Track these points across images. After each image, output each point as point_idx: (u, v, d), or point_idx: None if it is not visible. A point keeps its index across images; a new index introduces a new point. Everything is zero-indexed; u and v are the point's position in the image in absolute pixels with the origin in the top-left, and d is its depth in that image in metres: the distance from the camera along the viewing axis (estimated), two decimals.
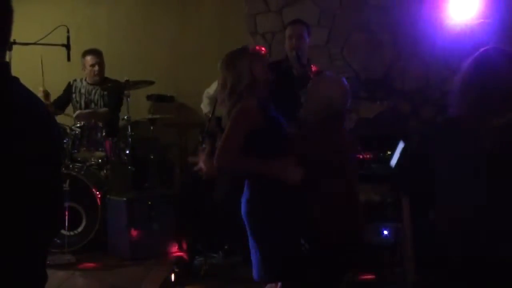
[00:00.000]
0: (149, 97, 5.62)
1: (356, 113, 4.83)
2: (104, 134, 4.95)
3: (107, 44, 5.63)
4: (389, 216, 4.70)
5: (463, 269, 2.49)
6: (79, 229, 4.71)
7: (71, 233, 4.61)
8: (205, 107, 5.20)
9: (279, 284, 2.98)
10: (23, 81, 1.55)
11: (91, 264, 4.40)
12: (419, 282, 4.25)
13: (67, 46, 4.65)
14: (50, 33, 4.51)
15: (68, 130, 4.86)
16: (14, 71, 1.64)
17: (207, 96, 5.20)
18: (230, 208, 3.54)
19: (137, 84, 5.04)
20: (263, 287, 3.07)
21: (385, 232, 4.65)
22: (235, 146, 2.80)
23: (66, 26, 4.65)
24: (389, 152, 4.45)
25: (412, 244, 4.29)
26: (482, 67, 2.43)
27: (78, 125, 4.93)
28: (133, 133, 4.93)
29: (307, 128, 3.13)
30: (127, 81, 4.92)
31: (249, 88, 2.90)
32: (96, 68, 5.32)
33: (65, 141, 4.82)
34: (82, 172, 4.81)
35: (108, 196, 4.80)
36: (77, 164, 4.94)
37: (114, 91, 5.28)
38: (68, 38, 4.65)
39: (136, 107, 5.37)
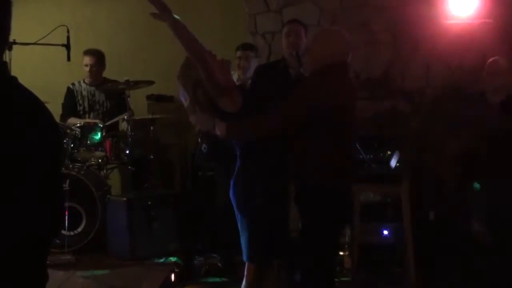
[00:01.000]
0: (149, 97, 5.61)
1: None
2: (104, 134, 4.95)
3: (107, 44, 5.63)
4: (389, 216, 4.70)
5: None
6: (79, 229, 4.72)
7: (71, 233, 4.61)
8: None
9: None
10: (23, 81, 1.55)
11: (91, 264, 4.40)
12: (419, 282, 4.25)
13: (67, 46, 4.65)
14: (50, 33, 4.51)
15: (68, 130, 4.86)
16: (14, 71, 1.64)
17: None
18: (232, 210, 3.54)
19: (137, 84, 5.04)
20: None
21: (385, 232, 4.65)
22: None
23: (66, 26, 4.65)
24: (389, 152, 4.45)
25: (412, 244, 4.29)
26: None
27: (78, 125, 4.93)
28: (133, 133, 4.93)
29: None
30: (127, 81, 4.92)
31: None
32: (90, 69, 5.30)
33: (65, 141, 4.82)
34: (82, 172, 4.81)
35: (108, 196, 4.81)
36: (77, 164, 4.94)
37: (114, 92, 5.27)
38: (68, 38, 4.66)
39: (136, 107, 5.37)
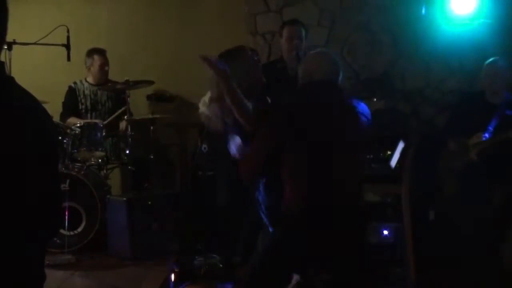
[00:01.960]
0: (149, 97, 5.61)
1: None
2: (104, 134, 4.95)
3: (107, 44, 5.63)
4: (389, 216, 4.70)
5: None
6: (79, 229, 4.72)
7: (71, 233, 4.61)
8: (204, 111, 5.20)
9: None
10: (23, 81, 1.55)
11: (91, 264, 4.40)
12: (419, 282, 4.25)
13: (67, 46, 4.65)
14: (50, 33, 4.51)
15: (68, 130, 4.85)
16: (14, 71, 1.64)
17: (204, 104, 5.21)
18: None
19: (137, 84, 5.04)
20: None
21: (385, 232, 4.65)
22: None
23: (66, 26, 4.65)
24: (389, 152, 4.45)
25: (412, 244, 4.29)
26: None
27: (78, 125, 4.93)
28: (133, 133, 4.93)
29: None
30: (127, 81, 4.92)
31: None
32: (106, 68, 5.32)
33: (65, 141, 4.82)
34: (82, 172, 4.81)
35: (108, 196, 4.80)
36: (77, 164, 4.94)
37: (116, 93, 5.28)
38: (68, 38, 4.65)
39: (136, 107, 5.37)
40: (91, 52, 5.32)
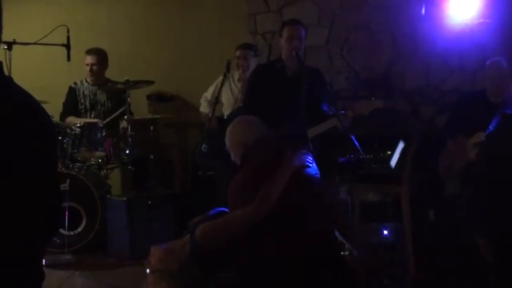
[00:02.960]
0: (149, 97, 5.61)
1: (352, 111, 4.82)
2: (104, 134, 4.95)
3: (107, 44, 5.63)
4: (389, 216, 4.70)
5: None
6: (79, 229, 4.72)
7: (71, 233, 4.61)
8: (204, 108, 5.21)
9: None
10: (23, 81, 1.55)
11: (91, 264, 4.40)
12: (419, 282, 4.25)
13: (67, 46, 4.65)
14: (50, 33, 4.51)
15: (68, 130, 4.85)
16: (14, 71, 1.65)
17: (205, 99, 5.22)
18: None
19: (137, 84, 5.04)
20: None
21: (385, 232, 4.65)
22: None
23: (66, 26, 4.65)
24: (389, 152, 4.45)
25: (412, 244, 4.29)
26: None
27: (78, 125, 4.93)
28: (133, 133, 4.93)
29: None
30: (127, 81, 4.92)
31: None
32: (90, 68, 5.30)
33: (65, 141, 4.82)
34: (82, 172, 4.81)
35: (108, 196, 4.81)
36: (77, 164, 4.94)
37: (116, 93, 5.27)
38: (68, 38, 4.65)
39: (136, 107, 5.37)
40: (86, 52, 5.33)
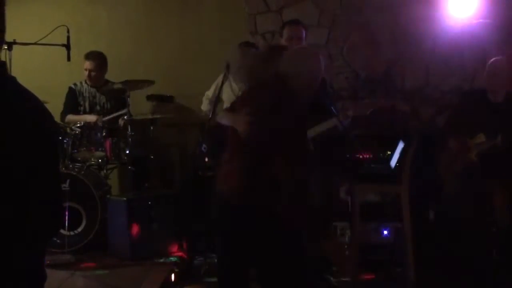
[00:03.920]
0: (149, 97, 5.61)
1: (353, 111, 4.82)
2: (104, 134, 4.95)
3: (107, 44, 5.63)
4: (389, 216, 4.70)
5: None
6: (79, 229, 4.71)
7: (71, 233, 4.61)
8: (205, 107, 5.21)
9: None
10: (23, 81, 1.55)
11: (91, 264, 4.40)
12: (419, 282, 4.25)
13: (67, 46, 4.64)
14: (50, 33, 4.51)
15: (68, 130, 4.85)
16: (14, 71, 1.64)
17: (207, 98, 5.22)
18: None
19: (137, 84, 5.04)
20: None
21: (385, 232, 4.65)
22: None
23: (66, 26, 4.65)
24: (389, 152, 4.45)
25: (412, 244, 4.29)
26: None
27: (78, 125, 4.93)
28: (133, 133, 4.93)
29: None
30: (127, 81, 4.92)
31: None
32: (89, 74, 5.29)
33: (65, 141, 4.82)
34: (82, 172, 4.81)
35: (108, 196, 4.81)
36: (77, 164, 4.94)
37: (116, 93, 5.27)
38: (68, 38, 4.65)
39: (136, 107, 5.37)
40: (85, 56, 5.32)
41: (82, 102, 5.35)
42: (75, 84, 5.38)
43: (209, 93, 5.22)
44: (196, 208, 5.02)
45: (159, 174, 5.44)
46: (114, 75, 5.41)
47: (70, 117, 5.20)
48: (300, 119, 2.97)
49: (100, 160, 5.02)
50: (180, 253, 4.67)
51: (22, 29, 5.22)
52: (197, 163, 5.15)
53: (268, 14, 5.69)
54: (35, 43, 4.65)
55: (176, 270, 4.33)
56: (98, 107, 5.36)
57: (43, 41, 4.55)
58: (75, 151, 4.90)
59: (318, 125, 4.21)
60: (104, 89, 5.30)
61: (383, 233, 4.66)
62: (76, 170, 4.82)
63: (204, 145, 4.61)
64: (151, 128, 5.16)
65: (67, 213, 4.45)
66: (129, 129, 4.91)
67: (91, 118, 5.11)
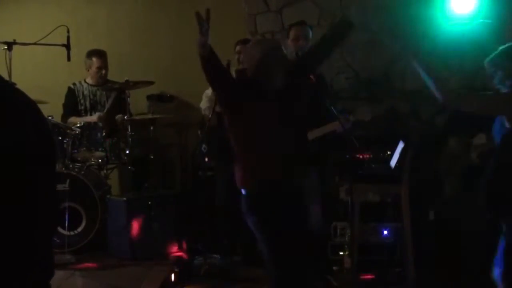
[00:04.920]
0: (149, 97, 5.61)
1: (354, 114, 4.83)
2: (104, 134, 4.95)
3: (107, 44, 5.62)
4: (389, 216, 4.71)
5: None
6: (79, 229, 4.71)
7: (71, 233, 4.61)
8: (204, 104, 5.20)
9: None
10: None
11: (91, 264, 4.40)
12: (419, 282, 4.25)
13: (67, 46, 4.65)
14: (50, 33, 4.51)
15: (68, 130, 4.85)
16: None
17: (206, 96, 5.21)
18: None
19: (137, 84, 5.03)
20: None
21: (385, 232, 4.66)
22: None
23: (66, 26, 4.65)
24: (389, 152, 4.45)
25: (412, 244, 4.29)
26: None
27: (78, 125, 4.93)
28: (133, 133, 4.93)
29: None
30: (127, 81, 4.92)
31: None
32: (103, 71, 5.30)
33: (65, 141, 4.82)
34: (82, 172, 4.81)
35: (108, 196, 4.81)
36: (77, 164, 4.94)
37: (116, 93, 5.27)
38: (68, 38, 4.65)
39: (136, 107, 5.37)
40: (90, 54, 5.31)
41: (82, 102, 5.34)
42: (74, 84, 5.37)
43: (209, 91, 5.21)
44: (196, 208, 5.02)
45: (159, 174, 5.44)
46: (114, 74, 5.41)
47: (72, 120, 5.18)
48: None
49: (100, 160, 5.02)
50: (180, 253, 4.67)
51: (22, 29, 5.24)
52: (197, 163, 5.16)
53: (268, 14, 5.68)
54: (35, 43, 4.65)
55: (176, 270, 4.33)
56: (99, 106, 5.35)
57: (43, 41, 4.55)
58: (75, 151, 4.90)
59: (318, 129, 4.21)
60: (104, 88, 5.30)
61: (383, 233, 4.66)
62: (76, 170, 4.82)
63: (204, 145, 4.61)
64: (151, 128, 5.16)
65: (67, 213, 4.46)
66: (129, 129, 4.91)
67: (92, 118, 5.12)
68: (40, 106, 1.62)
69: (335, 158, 4.65)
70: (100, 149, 4.95)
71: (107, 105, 5.21)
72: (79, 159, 4.97)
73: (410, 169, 4.35)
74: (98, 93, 5.36)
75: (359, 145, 4.12)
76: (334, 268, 4.53)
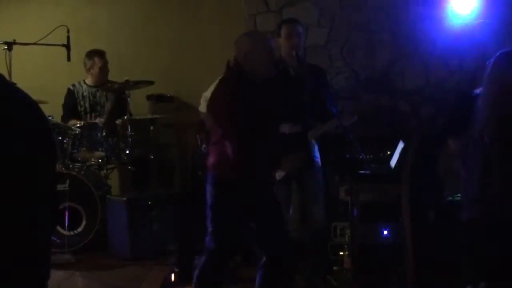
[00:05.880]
0: (149, 97, 5.61)
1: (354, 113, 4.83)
2: (104, 134, 4.95)
3: (107, 44, 5.62)
4: (389, 216, 4.70)
5: None
6: (79, 229, 4.72)
7: (71, 233, 4.61)
8: (202, 108, 5.20)
9: None
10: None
11: (91, 264, 4.40)
12: (419, 282, 4.25)
13: (67, 46, 4.65)
14: (50, 33, 4.51)
15: (68, 130, 4.85)
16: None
17: (205, 99, 5.21)
18: None
19: (137, 84, 5.03)
20: None
21: (385, 232, 4.65)
22: None
23: (66, 26, 4.65)
24: (389, 152, 4.45)
25: (412, 244, 4.29)
26: None
27: (78, 125, 4.93)
28: (133, 133, 4.93)
29: None
30: (127, 81, 4.92)
31: None
32: (101, 70, 5.30)
33: (65, 141, 4.82)
34: (82, 172, 4.82)
35: (108, 196, 4.81)
36: (77, 164, 4.94)
37: (115, 93, 5.27)
38: (68, 38, 4.66)
39: (136, 107, 5.37)
40: (91, 54, 5.31)
41: (82, 103, 5.34)
42: (73, 85, 5.37)
43: (207, 94, 5.21)
44: (196, 208, 5.01)
45: (159, 174, 5.44)
46: (114, 75, 5.41)
47: (72, 123, 5.17)
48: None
49: (100, 160, 5.02)
50: (180, 253, 4.66)
51: (22, 29, 5.24)
52: (197, 163, 5.16)
53: (268, 14, 5.68)
54: (35, 43, 4.65)
55: (176, 270, 4.33)
56: (98, 107, 5.35)
57: (43, 41, 4.55)
58: (75, 151, 4.90)
59: (318, 128, 4.21)
60: (104, 88, 5.30)
61: (383, 233, 4.66)
62: (76, 170, 4.82)
63: (204, 145, 4.61)
64: (151, 128, 5.16)
65: (67, 213, 4.46)
66: (129, 129, 4.91)
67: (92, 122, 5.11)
68: (40, 106, 1.62)
69: (335, 158, 4.65)
70: (100, 149, 4.95)
71: (107, 108, 5.20)
72: (79, 159, 4.97)
73: (410, 169, 4.34)
74: (97, 94, 5.36)
75: (359, 145, 4.13)
76: (334, 268, 4.53)
